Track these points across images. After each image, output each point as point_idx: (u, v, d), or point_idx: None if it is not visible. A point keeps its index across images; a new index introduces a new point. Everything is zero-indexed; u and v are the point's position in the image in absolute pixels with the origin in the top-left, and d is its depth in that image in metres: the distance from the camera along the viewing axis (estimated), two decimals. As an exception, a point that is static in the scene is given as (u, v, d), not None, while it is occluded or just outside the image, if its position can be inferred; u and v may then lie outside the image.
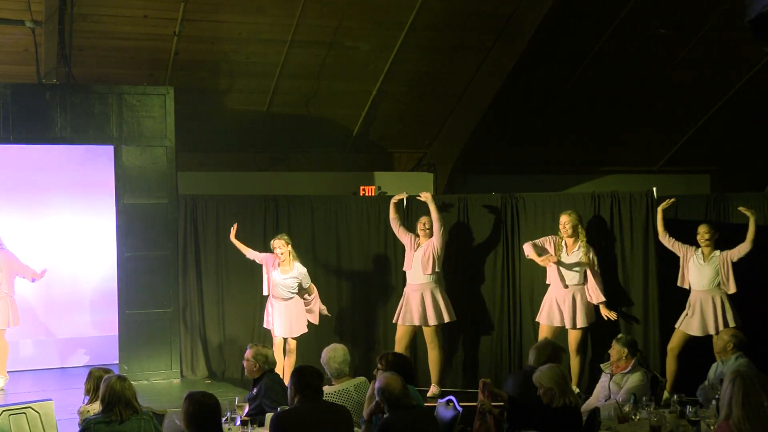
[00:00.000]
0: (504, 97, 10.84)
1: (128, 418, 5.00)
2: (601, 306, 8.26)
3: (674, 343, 8.21)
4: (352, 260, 9.37)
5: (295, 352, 8.40)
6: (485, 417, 5.78)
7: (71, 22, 8.97)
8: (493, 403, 5.84)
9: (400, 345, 8.41)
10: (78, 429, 5.27)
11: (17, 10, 8.89)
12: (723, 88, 11.87)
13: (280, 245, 8.26)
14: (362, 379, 6.19)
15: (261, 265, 8.46)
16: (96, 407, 5.57)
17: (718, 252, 8.11)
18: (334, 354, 6.10)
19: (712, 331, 7.91)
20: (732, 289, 8.02)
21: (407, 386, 5.22)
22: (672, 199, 8.46)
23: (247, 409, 6.02)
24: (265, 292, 8.40)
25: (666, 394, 7.24)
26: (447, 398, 5.91)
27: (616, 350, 6.83)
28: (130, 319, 9.02)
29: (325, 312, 8.59)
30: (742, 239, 8.12)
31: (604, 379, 6.90)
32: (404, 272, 8.59)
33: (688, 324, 8.11)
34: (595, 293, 8.22)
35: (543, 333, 8.28)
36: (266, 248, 8.54)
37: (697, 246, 8.20)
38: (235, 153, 11.19)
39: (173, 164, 9.15)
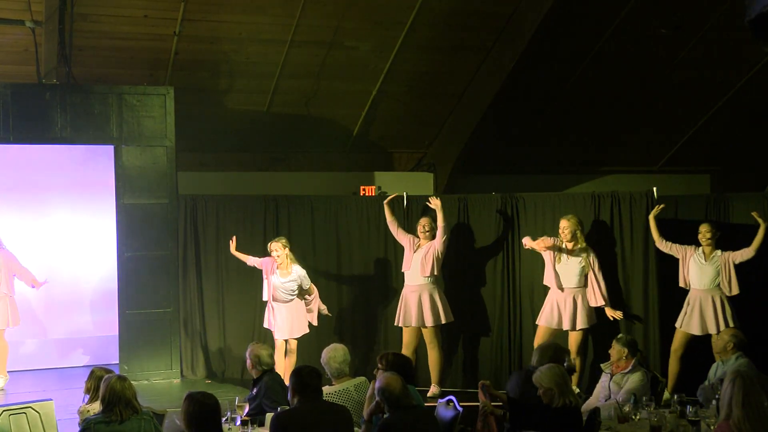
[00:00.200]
0: (504, 97, 10.84)
1: (128, 418, 5.00)
2: (606, 308, 8.25)
3: (677, 344, 8.20)
4: (352, 260, 9.37)
5: (296, 352, 8.40)
6: (487, 418, 5.78)
7: (71, 22, 8.97)
8: (493, 404, 5.84)
9: (408, 348, 8.38)
10: (78, 429, 5.27)
11: (17, 10, 8.89)
12: (723, 88, 11.88)
13: (277, 248, 8.25)
14: (362, 379, 6.19)
15: (261, 269, 8.45)
16: (96, 407, 5.58)
17: (719, 252, 8.12)
18: (334, 354, 6.09)
19: (711, 331, 7.92)
20: (734, 291, 8.02)
21: (407, 386, 5.22)
22: (661, 206, 8.45)
23: (247, 409, 6.02)
24: (265, 298, 8.38)
25: (666, 394, 7.24)
26: (447, 398, 5.90)
27: (616, 350, 6.84)
28: (130, 319, 9.02)
29: (325, 311, 8.58)
30: (743, 239, 8.12)
31: (604, 379, 6.91)
32: (403, 272, 8.59)
33: (688, 323, 8.12)
34: (598, 296, 8.21)
35: (540, 335, 8.27)
36: (266, 248, 8.52)
37: (698, 245, 8.21)
38: (235, 153, 11.19)
39: (173, 164, 9.15)
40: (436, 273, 8.34)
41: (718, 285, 8.08)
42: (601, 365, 7.03)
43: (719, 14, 10.39)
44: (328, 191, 10.70)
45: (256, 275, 8.69)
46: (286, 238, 8.55)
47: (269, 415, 5.60)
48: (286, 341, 8.35)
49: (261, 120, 10.88)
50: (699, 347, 8.01)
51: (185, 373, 9.21)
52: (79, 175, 9.83)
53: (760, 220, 8.08)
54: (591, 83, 11.25)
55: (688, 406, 5.68)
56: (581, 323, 8.17)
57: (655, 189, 8.74)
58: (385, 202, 8.76)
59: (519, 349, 8.91)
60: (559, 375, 5.47)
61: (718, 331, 7.68)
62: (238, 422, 5.71)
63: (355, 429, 5.38)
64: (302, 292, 8.36)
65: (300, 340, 8.41)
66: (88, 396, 5.97)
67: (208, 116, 10.55)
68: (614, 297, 8.44)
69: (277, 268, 8.27)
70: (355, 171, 11.65)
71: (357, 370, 7.81)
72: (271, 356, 6.54)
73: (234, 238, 8.59)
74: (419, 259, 8.35)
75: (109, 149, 9.10)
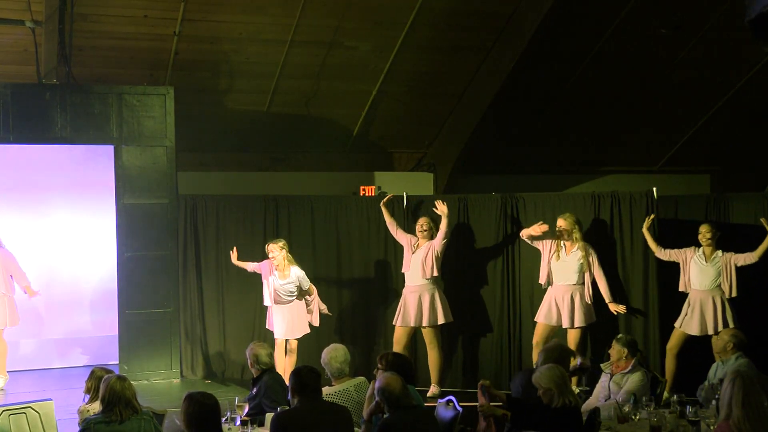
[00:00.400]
0: (504, 97, 10.83)
1: (128, 417, 5.00)
2: (609, 303, 8.25)
3: (673, 343, 8.22)
4: (352, 260, 9.37)
5: (296, 352, 8.40)
6: (488, 418, 5.78)
7: (71, 22, 8.97)
8: (493, 404, 5.83)
9: (398, 346, 8.42)
10: (78, 429, 5.27)
11: (17, 10, 8.89)
12: (723, 88, 11.87)
13: (273, 249, 8.24)
14: (362, 379, 6.19)
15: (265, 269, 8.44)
16: (96, 407, 5.58)
17: (720, 252, 8.11)
18: (335, 354, 6.09)
19: (710, 331, 7.92)
20: (734, 293, 8.01)
21: (407, 386, 5.22)
22: (652, 216, 8.44)
23: (247, 409, 6.02)
24: (266, 303, 8.35)
25: (666, 394, 7.24)
26: (447, 398, 5.90)
27: (616, 350, 6.83)
28: (130, 319, 9.02)
29: (326, 311, 8.58)
30: (743, 239, 8.11)
31: (604, 379, 6.90)
32: (403, 273, 8.59)
33: (688, 324, 8.12)
34: (604, 291, 8.21)
35: (539, 332, 8.29)
36: (265, 247, 8.51)
37: (698, 246, 8.20)
38: (235, 153, 11.19)
39: (173, 164, 9.15)
40: (436, 274, 8.34)
41: (719, 286, 8.07)
42: (601, 365, 7.02)
43: (719, 14, 10.38)
44: (328, 191, 10.70)
45: (256, 275, 8.68)
46: (286, 238, 8.56)
47: (269, 415, 5.60)
48: (287, 341, 8.35)
49: (261, 120, 10.88)
50: (697, 347, 8.01)
51: (185, 373, 9.21)
52: (79, 175, 9.83)
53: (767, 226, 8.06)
54: (591, 83, 11.25)
55: (688, 406, 5.67)
56: (579, 321, 8.17)
57: (655, 189, 8.73)
58: (382, 204, 8.77)
59: (519, 349, 8.91)
60: (558, 375, 5.46)
61: (717, 332, 7.67)
62: (238, 422, 5.71)
63: (355, 429, 5.38)
64: (302, 293, 8.35)
65: (300, 340, 8.41)
66: (88, 396, 5.97)
67: (208, 116, 10.55)
68: (615, 296, 8.43)
69: (276, 269, 8.26)
70: (355, 171, 11.65)
71: (357, 370, 7.80)
72: (270, 356, 6.54)
73: (235, 249, 8.59)
74: (419, 260, 8.36)
75: (109, 149, 9.10)
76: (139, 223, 9.04)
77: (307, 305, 8.43)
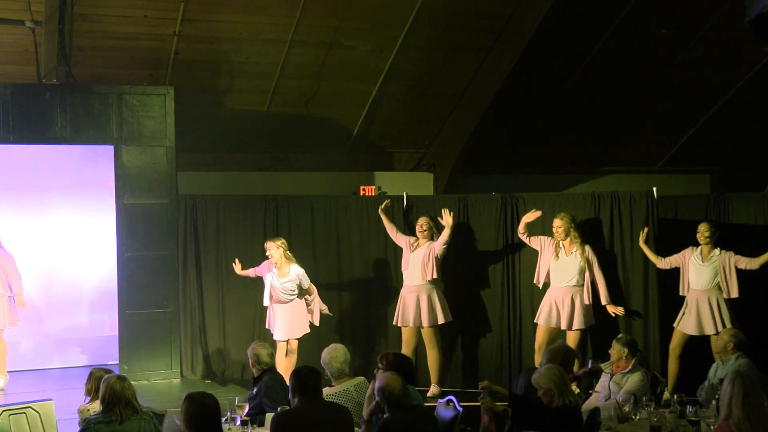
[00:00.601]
0: (504, 97, 10.83)
1: (128, 417, 5.00)
2: (608, 306, 8.25)
3: (675, 343, 8.21)
4: (352, 260, 9.37)
5: (297, 352, 8.40)
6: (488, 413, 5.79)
7: (71, 22, 8.97)
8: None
9: (407, 347, 8.40)
10: (78, 429, 5.28)
11: (17, 10, 8.89)
12: (723, 88, 11.88)
13: (270, 247, 8.23)
14: (362, 379, 6.20)
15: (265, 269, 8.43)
16: (96, 406, 5.58)
17: (717, 251, 8.09)
18: (335, 354, 6.09)
19: (707, 331, 7.92)
20: (734, 294, 7.99)
21: (407, 386, 5.22)
22: (646, 229, 8.43)
23: (247, 409, 6.02)
24: (265, 303, 8.34)
25: (666, 394, 7.24)
26: (447, 398, 5.90)
27: (616, 350, 6.83)
28: (130, 319, 9.02)
29: (326, 311, 8.58)
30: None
31: (604, 379, 6.90)
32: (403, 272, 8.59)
33: (685, 323, 8.12)
34: (603, 293, 8.21)
35: (540, 335, 8.28)
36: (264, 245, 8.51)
37: (696, 245, 8.19)
38: (235, 153, 11.19)
39: (173, 164, 9.15)
40: (435, 276, 8.34)
41: (717, 285, 8.06)
42: (601, 365, 7.02)
43: (719, 14, 10.38)
44: (328, 191, 10.70)
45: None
46: (286, 238, 8.55)
47: (269, 415, 5.60)
48: (287, 341, 8.34)
49: (261, 120, 10.88)
50: (698, 347, 8.00)
51: (185, 373, 9.21)
52: (79, 175, 9.83)
53: None
54: (591, 83, 11.25)
55: (688, 406, 5.67)
56: (579, 323, 8.16)
57: (655, 189, 8.73)
58: (380, 210, 8.77)
59: (519, 349, 8.91)
60: (557, 375, 5.46)
61: (715, 332, 7.67)
62: (238, 422, 5.71)
63: (355, 429, 5.38)
64: (302, 292, 8.35)
65: (300, 340, 8.41)
66: (89, 398, 5.97)
67: (208, 116, 10.55)
68: (614, 297, 8.42)
69: (274, 267, 8.26)
70: (355, 171, 11.65)
71: (357, 370, 7.81)
72: (271, 356, 6.54)
73: (237, 261, 8.58)
74: (419, 260, 8.35)
75: (109, 149, 9.10)
76: (139, 223, 9.04)
77: (308, 305, 8.43)
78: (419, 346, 8.69)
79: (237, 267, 8.59)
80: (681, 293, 8.22)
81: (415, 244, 8.49)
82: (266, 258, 8.35)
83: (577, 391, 7.57)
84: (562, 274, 8.22)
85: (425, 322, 8.33)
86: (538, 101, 11.50)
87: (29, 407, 5.81)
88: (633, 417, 5.85)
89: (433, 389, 8.37)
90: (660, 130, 12.51)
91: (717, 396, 5.18)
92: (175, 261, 9.16)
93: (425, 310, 8.32)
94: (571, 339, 8.19)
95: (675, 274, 8.29)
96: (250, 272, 8.51)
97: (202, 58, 9.90)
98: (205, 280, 9.30)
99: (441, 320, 8.37)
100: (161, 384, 8.95)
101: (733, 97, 12.01)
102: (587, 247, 8.25)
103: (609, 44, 10.69)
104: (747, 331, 7.20)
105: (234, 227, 9.29)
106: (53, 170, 9.78)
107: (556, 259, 8.25)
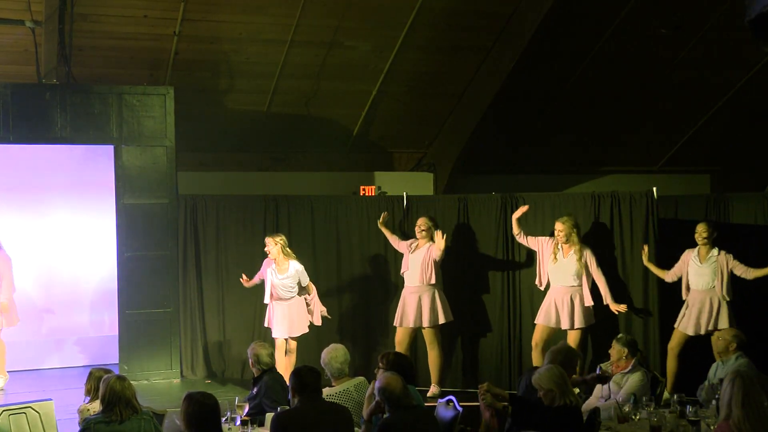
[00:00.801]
0: (504, 97, 10.84)
1: (128, 417, 5.00)
2: (610, 304, 8.24)
3: (674, 343, 8.20)
4: (352, 260, 9.37)
5: (296, 352, 8.40)
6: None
7: (71, 22, 8.98)
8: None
9: (401, 347, 8.41)
10: (78, 429, 5.27)
11: (17, 10, 8.90)
12: (723, 88, 11.88)
13: (269, 243, 8.26)
14: (362, 379, 6.19)
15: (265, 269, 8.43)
16: (96, 406, 5.58)
17: (715, 251, 8.07)
18: (335, 354, 6.09)
19: (704, 332, 7.90)
20: (727, 297, 7.96)
21: (407, 386, 5.22)
22: (646, 246, 8.41)
23: (247, 409, 6.02)
24: (266, 301, 8.35)
25: (666, 394, 7.24)
26: (447, 398, 5.90)
27: (616, 350, 6.83)
28: (130, 319, 9.02)
29: (325, 314, 8.57)
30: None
31: (604, 379, 6.90)
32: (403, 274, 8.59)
33: (686, 324, 8.11)
34: (605, 293, 8.20)
35: (538, 333, 8.28)
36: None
37: (694, 245, 8.18)
38: (235, 153, 11.19)
39: (173, 164, 9.15)
40: (433, 282, 8.33)
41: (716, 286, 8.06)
42: (601, 365, 7.02)
43: (719, 14, 10.39)
44: (328, 191, 10.71)
45: (256, 274, 8.68)
46: (286, 237, 8.53)
47: (269, 415, 5.60)
48: (286, 340, 8.34)
49: (261, 120, 10.88)
50: (698, 347, 7.99)
51: (185, 373, 9.21)
52: (79, 175, 9.83)
53: None
54: (591, 83, 11.26)
55: (688, 406, 5.67)
56: (579, 323, 8.16)
57: (655, 189, 8.73)
58: (380, 224, 8.77)
59: (519, 349, 8.90)
60: (557, 375, 5.46)
61: (712, 332, 7.66)
62: (238, 422, 5.71)
63: (355, 429, 5.38)
64: (302, 289, 8.34)
65: (300, 340, 8.41)
66: (88, 398, 5.97)
67: (208, 116, 10.55)
68: (614, 297, 8.42)
69: (274, 264, 8.26)
70: (355, 171, 11.65)
71: (357, 370, 7.81)
72: (271, 356, 6.54)
73: (244, 275, 8.55)
74: (418, 261, 8.35)
75: (109, 149, 9.10)
76: (139, 223, 9.04)
77: (307, 305, 8.42)
78: (420, 346, 8.69)
79: (245, 281, 8.56)
80: (683, 298, 8.18)
81: (414, 245, 8.48)
82: (266, 257, 8.35)
83: (577, 391, 7.58)
84: (561, 275, 8.21)
85: (426, 322, 8.33)
86: (538, 101, 11.50)
87: (29, 407, 5.81)
88: (633, 417, 5.85)
89: (433, 389, 8.37)
90: (660, 130, 12.51)
91: (717, 396, 5.18)
92: (175, 261, 9.16)
93: (426, 310, 8.31)
94: (572, 338, 8.18)
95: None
96: (256, 279, 8.50)
97: (202, 58, 9.90)
98: (205, 280, 9.30)
99: (442, 320, 8.37)
100: (161, 384, 8.96)
101: (733, 97, 12.01)
102: (587, 251, 8.23)
103: (609, 44, 10.69)
104: (746, 330, 7.20)
105: (234, 227, 9.30)
106: (53, 170, 9.78)
107: (554, 261, 8.24)
